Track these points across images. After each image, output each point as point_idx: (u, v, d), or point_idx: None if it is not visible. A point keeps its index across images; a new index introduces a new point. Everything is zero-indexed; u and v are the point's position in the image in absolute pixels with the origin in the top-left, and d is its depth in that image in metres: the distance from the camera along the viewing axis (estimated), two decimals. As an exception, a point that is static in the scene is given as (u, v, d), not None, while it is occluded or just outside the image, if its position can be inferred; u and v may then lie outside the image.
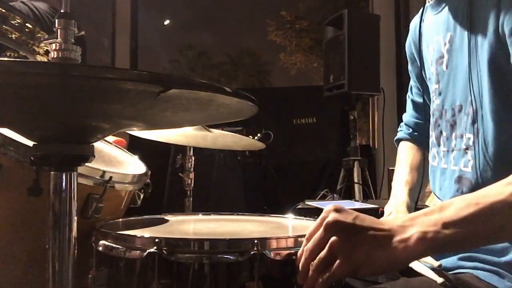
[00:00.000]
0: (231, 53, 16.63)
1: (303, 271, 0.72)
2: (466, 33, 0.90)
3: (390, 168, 1.84)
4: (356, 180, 2.71)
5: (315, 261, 0.70)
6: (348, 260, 0.67)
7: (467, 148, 0.91)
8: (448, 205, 0.70)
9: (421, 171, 1.13)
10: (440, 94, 1.00)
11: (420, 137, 1.22)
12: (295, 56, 14.31)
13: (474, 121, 0.89)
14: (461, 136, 0.93)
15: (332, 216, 0.70)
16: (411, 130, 1.26)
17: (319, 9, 12.97)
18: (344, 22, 2.68)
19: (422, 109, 1.15)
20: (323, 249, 0.69)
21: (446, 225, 0.66)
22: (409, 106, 1.27)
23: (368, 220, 0.70)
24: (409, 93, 1.27)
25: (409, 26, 1.20)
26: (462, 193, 0.91)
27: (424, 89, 1.12)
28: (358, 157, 2.75)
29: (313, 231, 0.72)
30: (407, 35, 1.22)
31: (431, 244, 0.66)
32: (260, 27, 14.88)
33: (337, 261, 0.67)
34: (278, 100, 3.59)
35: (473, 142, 0.89)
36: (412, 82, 1.24)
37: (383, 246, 0.67)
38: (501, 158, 0.85)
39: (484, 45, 0.86)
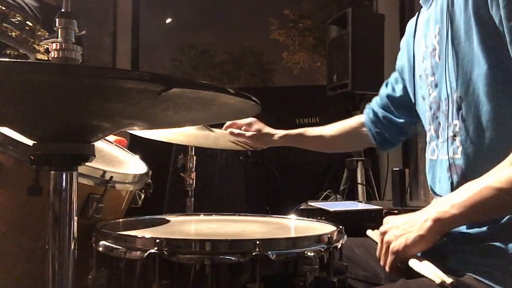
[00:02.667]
0: (233, 52, 16.63)
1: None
2: (446, 21, 0.93)
3: (394, 169, 1.83)
4: (359, 181, 2.70)
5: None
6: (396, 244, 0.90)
7: (454, 135, 0.93)
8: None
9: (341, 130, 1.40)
10: (436, 86, 1.00)
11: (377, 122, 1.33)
12: (298, 55, 14.30)
13: (459, 107, 0.91)
14: (450, 125, 0.94)
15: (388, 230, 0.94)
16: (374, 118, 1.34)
17: (322, 8, 12.95)
18: (348, 21, 2.66)
19: (396, 103, 1.25)
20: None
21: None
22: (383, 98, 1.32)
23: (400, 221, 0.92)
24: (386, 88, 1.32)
25: None
26: (453, 181, 0.93)
27: (407, 85, 1.18)
28: (361, 157, 2.73)
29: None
30: None
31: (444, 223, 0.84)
32: (263, 25, 14.87)
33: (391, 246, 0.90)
34: (281, 99, 3.57)
35: (460, 128, 0.91)
36: (392, 79, 1.29)
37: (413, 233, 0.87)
38: (497, 140, 0.87)
39: (472, 29, 0.87)
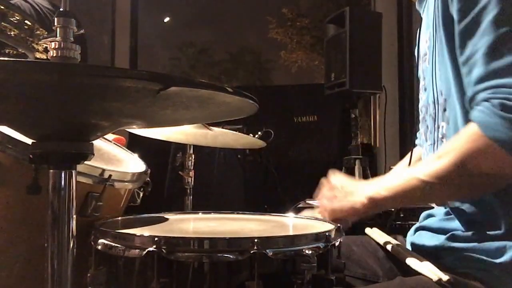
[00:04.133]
0: (231, 50, 16.60)
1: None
2: (432, 26, 0.94)
3: (392, 167, 1.84)
4: (357, 179, 2.70)
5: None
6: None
7: (443, 137, 0.94)
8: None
9: None
10: (425, 90, 1.01)
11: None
12: (296, 53, 14.28)
13: (445, 109, 0.92)
14: (438, 127, 0.95)
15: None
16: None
17: (320, 6, 12.94)
18: (345, 20, 2.67)
19: None
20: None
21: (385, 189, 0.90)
22: None
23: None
24: None
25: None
26: None
27: None
28: (359, 155, 2.74)
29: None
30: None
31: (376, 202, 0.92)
32: (261, 24, 14.84)
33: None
34: (279, 98, 3.57)
35: (446, 130, 0.93)
36: None
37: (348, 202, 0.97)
38: None
39: (442, 32, 0.89)
